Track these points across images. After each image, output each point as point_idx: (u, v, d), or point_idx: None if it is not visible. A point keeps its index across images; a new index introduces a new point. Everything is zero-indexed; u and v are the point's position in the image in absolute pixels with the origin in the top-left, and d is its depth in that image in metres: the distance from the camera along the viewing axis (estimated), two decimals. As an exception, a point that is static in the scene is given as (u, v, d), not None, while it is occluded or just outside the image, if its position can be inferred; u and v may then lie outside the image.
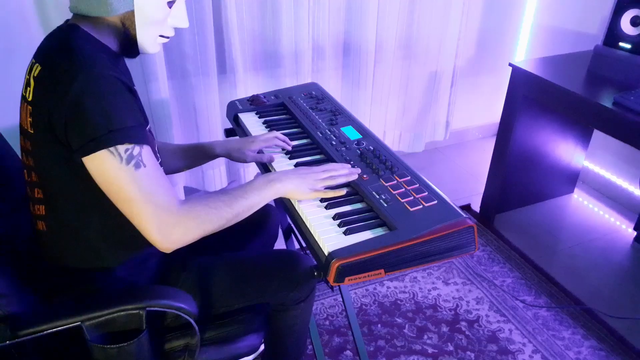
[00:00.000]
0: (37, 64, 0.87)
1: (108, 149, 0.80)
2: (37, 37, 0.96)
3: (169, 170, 1.29)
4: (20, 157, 0.97)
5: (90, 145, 0.79)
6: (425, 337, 1.68)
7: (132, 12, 0.89)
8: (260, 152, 1.25)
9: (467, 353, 1.62)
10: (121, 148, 0.80)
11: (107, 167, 0.81)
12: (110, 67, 0.84)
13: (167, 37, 0.98)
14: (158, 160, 1.00)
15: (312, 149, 1.27)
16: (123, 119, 0.81)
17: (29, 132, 0.88)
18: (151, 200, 0.82)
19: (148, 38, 0.94)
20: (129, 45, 0.94)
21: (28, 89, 0.88)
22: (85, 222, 0.91)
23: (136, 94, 0.92)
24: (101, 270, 0.96)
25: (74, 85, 0.79)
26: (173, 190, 0.88)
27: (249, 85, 2.10)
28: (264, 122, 1.41)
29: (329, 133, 1.29)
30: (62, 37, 0.88)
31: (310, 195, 1.02)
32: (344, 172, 1.07)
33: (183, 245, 0.87)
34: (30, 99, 0.87)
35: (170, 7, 0.93)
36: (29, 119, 0.87)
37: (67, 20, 0.94)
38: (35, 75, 0.86)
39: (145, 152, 0.84)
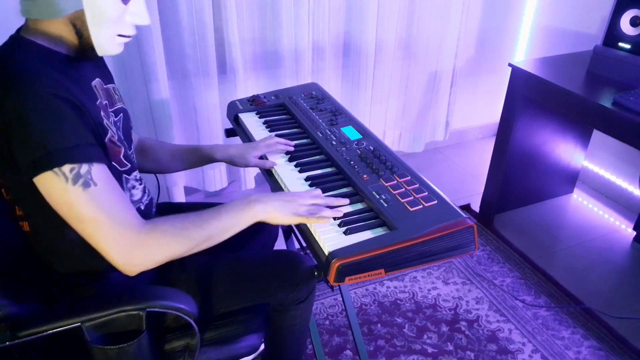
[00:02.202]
0: None
1: (52, 170, 0.76)
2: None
3: (167, 170, 1.29)
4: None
5: (31, 167, 0.77)
6: (425, 336, 1.68)
7: (82, 11, 0.83)
8: (262, 157, 1.25)
9: (467, 353, 1.62)
10: (66, 168, 0.77)
11: (53, 188, 0.78)
12: (47, 82, 0.79)
13: (128, 37, 0.91)
14: (125, 167, 0.97)
15: (313, 149, 1.27)
16: (61, 138, 0.77)
17: None
18: (106, 220, 0.79)
19: (104, 38, 0.87)
20: (85, 47, 0.88)
21: None
22: (65, 236, 0.87)
23: (85, 106, 0.84)
24: (94, 278, 0.95)
25: (7, 106, 0.76)
26: (132, 208, 0.84)
27: (249, 86, 2.10)
28: (264, 123, 1.41)
29: (329, 133, 1.29)
30: (0, 53, 0.84)
31: (292, 219, 0.96)
32: (330, 203, 1.01)
33: (149, 268, 0.84)
34: None
35: (125, 4, 0.87)
36: None
37: (20, 28, 0.90)
38: None
39: (96, 170, 0.80)
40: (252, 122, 1.43)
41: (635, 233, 2.14)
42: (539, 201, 2.37)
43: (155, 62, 1.84)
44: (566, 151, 2.25)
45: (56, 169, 0.77)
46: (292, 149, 1.25)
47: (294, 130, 1.37)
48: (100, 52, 0.89)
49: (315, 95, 1.51)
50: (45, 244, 0.93)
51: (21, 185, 0.83)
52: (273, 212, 0.95)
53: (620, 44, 1.73)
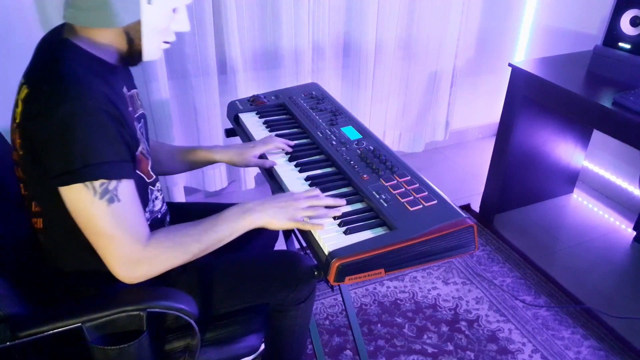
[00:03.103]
0: (24, 85, 0.84)
1: (84, 183, 0.79)
2: (37, 37, 0.95)
3: (166, 172, 1.29)
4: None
5: (65, 177, 0.79)
6: (425, 336, 1.68)
7: (138, 21, 0.87)
8: (262, 156, 1.25)
9: (467, 353, 1.63)
10: (97, 182, 0.79)
11: (80, 199, 0.80)
12: (98, 95, 0.81)
13: (170, 43, 0.96)
14: (151, 179, 0.99)
15: (313, 149, 1.27)
16: (102, 153, 0.80)
17: (19, 152, 0.87)
18: (119, 236, 0.82)
19: (153, 46, 0.92)
20: (133, 54, 0.92)
21: (17, 110, 0.86)
22: (77, 237, 0.88)
23: (126, 120, 0.87)
24: (98, 279, 0.95)
25: (56, 115, 0.77)
26: (145, 224, 0.87)
27: (249, 86, 2.10)
28: (265, 123, 1.41)
29: (329, 133, 1.29)
30: (52, 57, 0.85)
31: (288, 225, 0.97)
32: (327, 203, 1.01)
33: (147, 279, 0.87)
34: (18, 120, 0.85)
35: (174, 13, 0.92)
36: (19, 141, 0.86)
37: (61, 28, 0.91)
38: (22, 97, 0.84)
39: (123, 186, 0.82)
40: (252, 122, 1.43)
41: (635, 233, 2.14)
42: (539, 201, 2.37)
43: (155, 62, 1.84)
44: (566, 151, 2.25)
45: (88, 183, 0.79)
46: (289, 149, 1.25)
47: (294, 130, 1.37)
48: (146, 58, 0.93)
49: (315, 95, 1.51)
50: (56, 242, 0.93)
51: (44, 185, 0.85)
52: (269, 219, 0.96)
53: (620, 44, 1.73)
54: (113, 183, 0.81)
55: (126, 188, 0.83)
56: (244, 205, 0.98)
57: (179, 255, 0.89)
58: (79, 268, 0.94)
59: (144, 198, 0.98)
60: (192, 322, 0.90)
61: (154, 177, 1.02)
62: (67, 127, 0.78)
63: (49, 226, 0.92)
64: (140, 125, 1.01)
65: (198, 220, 0.94)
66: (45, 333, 0.81)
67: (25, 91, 0.83)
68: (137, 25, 0.87)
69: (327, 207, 1.01)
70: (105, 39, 0.88)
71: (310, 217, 0.98)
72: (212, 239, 0.93)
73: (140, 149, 0.94)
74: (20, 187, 0.94)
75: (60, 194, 0.81)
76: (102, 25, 0.85)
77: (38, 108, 0.80)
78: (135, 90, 1.05)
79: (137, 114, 1.01)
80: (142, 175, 0.97)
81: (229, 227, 0.94)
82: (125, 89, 0.97)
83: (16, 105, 0.87)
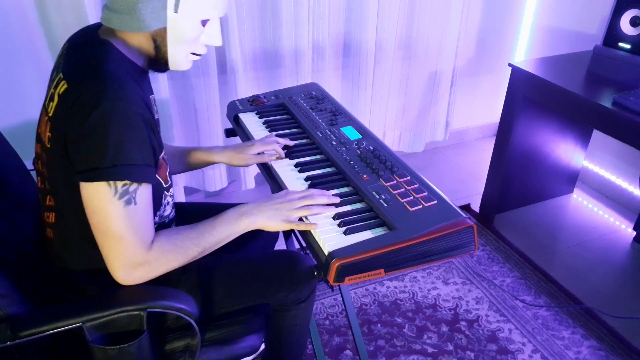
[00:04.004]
0: (63, 81, 0.86)
1: (107, 182, 0.80)
2: (37, 37, 0.95)
3: None
4: (22, 159, 0.97)
5: (92, 173, 0.80)
6: (425, 336, 1.68)
7: (165, 29, 0.88)
8: (260, 153, 1.25)
9: (467, 353, 1.63)
10: (120, 183, 0.81)
11: (99, 197, 0.81)
12: (135, 99, 0.83)
13: (199, 55, 0.97)
14: (167, 184, 1.01)
15: (312, 149, 1.27)
16: (131, 156, 0.82)
17: (46, 145, 0.88)
18: (127, 238, 0.83)
19: (180, 55, 0.93)
20: (160, 61, 0.93)
21: (51, 103, 0.87)
22: (87, 233, 0.89)
23: (156, 125, 0.90)
24: (103, 278, 0.96)
25: (96, 112, 0.79)
26: (152, 229, 0.89)
27: (249, 86, 2.10)
28: (264, 122, 1.41)
29: (329, 133, 1.29)
30: (93, 56, 0.87)
31: (284, 227, 0.99)
32: (322, 202, 1.02)
33: (143, 282, 0.88)
34: (51, 114, 0.86)
35: (203, 26, 0.92)
36: (48, 134, 0.87)
37: (96, 28, 0.93)
38: (60, 92, 0.85)
39: (142, 190, 0.84)
40: (252, 122, 1.43)
41: (635, 233, 2.14)
42: (539, 201, 2.37)
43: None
44: (566, 151, 2.25)
45: (112, 182, 0.80)
46: (291, 143, 1.25)
47: (294, 130, 1.37)
48: (173, 67, 0.94)
49: (315, 95, 1.51)
50: (66, 238, 0.94)
51: (65, 179, 0.86)
52: (265, 222, 0.98)
53: (620, 44, 1.73)
54: (134, 185, 0.82)
55: (144, 192, 0.85)
56: (240, 208, 0.99)
57: (178, 258, 0.91)
58: (84, 266, 0.95)
59: (157, 203, 0.99)
60: (192, 322, 0.90)
61: (170, 182, 1.04)
62: (103, 125, 0.79)
63: (61, 221, 0.93)
64: (158, 129, 1.02)
65: (196, 223, 0.95)
66: (46, 333, 0.81)
67: (64, 86, 0.85)
68: (164, 32, 0.89)
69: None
70: (136, 43, 0.90)
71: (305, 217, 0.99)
72: (209, 242, 0.94)
73: (162, 154, 0.96)
74: (23, 177, 0.95)
75: (80, 190, 0.82)
76: (130, 29, 0.87)
77: (78, 105, 0.81)
78: (153, 95, 1.06)
79: (156, 118, 1.02)
80: (161, 180, 0.98)
81: (226, 230, 0.96)
82: (149, 94, 0.98)
83: (51, 99, 0.88)
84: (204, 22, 0.92)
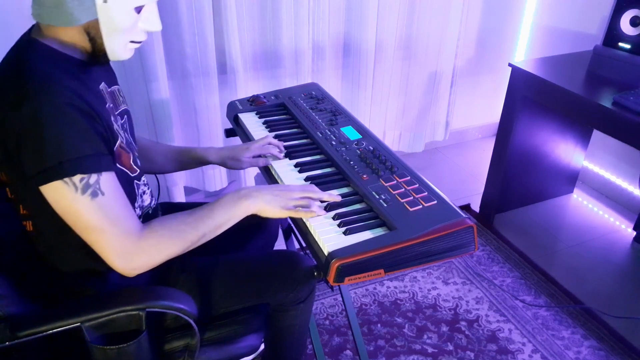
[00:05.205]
0: None
1: (62, 180, 0.78)
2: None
3: (161, 170, 1.29)
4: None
5: (42, 175, 0.78)
6: (425, 336, 1.68)
7: (97, 20, 0.84)
8: (257, 156, 1.25)
9: (467, 353, 1.62)
10: (76, 178, 0.78)
11: (62, 197, 0.79)
12: (64, 90, 0.80)
13: (139, 42, 0.93)
14: (135, 173, 0.98)
15: (312, 149, 1.27)
16: (75, 148, 0.79)
17: None
18: (110, 229, 0.81)
19: (117, 45, 0.89)
20: (97, 53, 0.89)
21: None
22: (68, 237, 0.87)
23: (99, 114, 0.85)
24: (95, 278, 0.96)
25: (23, 112, 0.76)
26: (134, 216, 0.87)
27: (249, 86, 2.10)
28: (264, 123, 1.41)
29: (329, 133, 1.29)
30: (15, 58, 0.85)
31: (281, 213, 0.98)
32: (322, 197, 1.02)
33: (147, 270, 0.86)
34: None
35: (138, 13, 0.88)
36: None
37: (31, 29, 0.90)
38: None
39: (104, 179, 0.82)
40: (252, 122, 1.43)
41: (635, 233, 2.14)
42: (539, 201, 2.37)
43: (155, 62, 1.84)
44: (566, 151, 2.25)
45: (66, 179, 0.78)
46: (280, 156, 1.23)
47: (294, 130, 1.37)
48: (112, 57, 0.91)
49: (315, 95, 1.51)
50: (48, 244, 0.93)
51: (26, 187, 0.84)
52: (263, 205, 0.97)
53: (620, 44, 1.73)
54: (93, 177, 0.80)
55: (108, 181, 0.82)
56: (239, 191, 0.98)
57: (177, 243, 0.89)
58: (73, 268, 0.94)
59: (131, 193, 0.97)
60: (192, 321, 0.90)
61: (138, 171, 1.00)
62: (35, 124, 0.77)
63: (39, 228, 0.92)
64: (123, 121, 1.00)
65: (193, 209, 0.94)
66: (45, 333, 0.81)
67: None
68: (97, 24, 0.85)
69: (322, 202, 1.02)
70: (69, 38, 0.87)
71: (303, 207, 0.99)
72: (209, 226, 0.92)
73: (118, 142, 0.92)
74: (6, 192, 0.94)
75: (44, 194, 0.80)
76: (60, 24, 0.84)
77: (4, 108, 0.79)
78: (116, 86, 1.04)
79: (120, 110, 1.01)
80: (125, 169, 0.95)
81: (226, 213, 0.94)
82: (103, 86, 0.96)
83: None
84: (138, 9, 0.87)
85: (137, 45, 0.93)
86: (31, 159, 0.78)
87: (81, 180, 0.79)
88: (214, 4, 1.88)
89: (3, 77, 0.83)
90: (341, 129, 1.31)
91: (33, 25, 0.91)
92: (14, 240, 0.97)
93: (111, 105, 0.96)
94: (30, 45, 0.86)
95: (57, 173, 0.78)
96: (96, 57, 0.90)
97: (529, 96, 1.89)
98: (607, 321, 1.73)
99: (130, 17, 0.87)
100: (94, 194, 0.80)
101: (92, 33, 0.86)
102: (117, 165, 0.91)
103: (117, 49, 0.89)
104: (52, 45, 0.86)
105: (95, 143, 0.82)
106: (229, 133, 1.51)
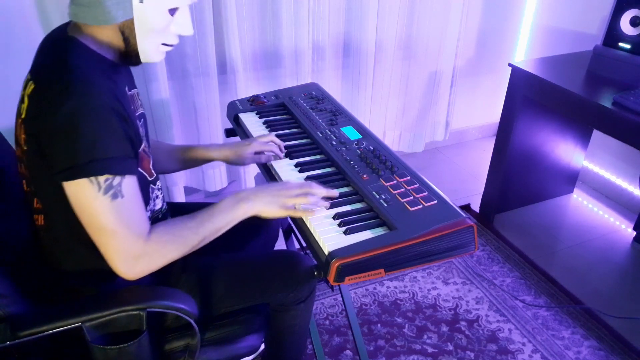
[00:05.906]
0: (31, 81, 0.85)
1: (88, 178, 0.79)
2: (37, 37, 0.95)
3: (163, 170, 1.29)
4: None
5: (70, 171, 0.79)
6: (425, 336, 1.68)
7: (132, 20, 0.87)
8: (259, 152, 1.25)
9: (467, 353, 1.63)
10: (102, 178, 0.80)
11: (84, 194, 0.80)
12: (104, 92, 0.82)
13: (171, 45, 0.95)
14: (152, 177, 1.00)
15: (312, 149, 1.27)
16: (107, 149, 0.80)
17: (23, 148, 0.88)
18: (121, 232, 0.82)
19: (150, 47, 0.91)
20: (130, 54, 0.92)
21: (22, 105, 0.86)
22: (78, 234, 0.88)
23: (130, 117, 0.88)
24: (98, 278, 0.96)
25: (64, 109, 0.78)
26: (146, 220, 0.88)
27: (249, 86, 2.10)
28: (264, 122, 1.41)
29: (329, 133, 1.29)
30: (58, 54, 0.86)
31: (281, 213, 0.99)
32: (320, 193, 1.02)
33: (147, 274, 0.87)
34: (23, 116, 0.86)
35: (172, 15, 0.91)
36: (23, 136, 0.86)
37: (66, 26, 0.92)
38: (28, 93, 0.84)
39: (126, 182, 0.83)
40: (252, 122, 1.43)
41: (635, 233, 2.14)
42: (539, 201, 2.37)
43: (156, 62, 1.84)
44: (566, 151, 2.25)
45: (93, 178, 0.79)
46: (281, 155, 1.24)
47: (294, 130, 1.37)
48: (144, 59, 0.93)
49: (315, 95, 1.51)
50: (57, 239, 0.93)
51: (47, 181, 0.85)
52: (262, 207, 0.98)
53: (620, 44, 1.73)
54: (117, 179, 0.81)
55: (130, 184, 0.84)
56: (238, 194, 0.99)
57: (179, 248, 0.90)
58: (78, 266, 0.94)
59: (145, 196, 0.98)
60: (192, 321, 0.90)
61: (155, 175, 1.03)
62: (73, 122, 0.78)
63: (50, 223, 0.92)
64: (140, 124, 1.01)
65: (195, 213, 0.95)
66: (45, 333, 0.81)
67: (31, 87, 0.84)
68: (132, 24, 0.87)
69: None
70: (105, 37, 0.89)
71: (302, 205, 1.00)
72: (209, 230, 0.94)
73: (142, 146, 0.95)
74: (22, 184, 0.95)
75: (64, 190, 0.81)
76: (97, 22, 0.85)
77: (45, 104, 0.80)
78: (135, 90, 1.05)
79: (138, 113, 1.02)
80: (144, 173, 0.97)
81: (225, 217, 0.96)
82: (127, 88, 0.97)
83: (22, 101, 0.87)
84: (172, 11, 0.90)
85: (169, 49, 0.96)
86: (62, 154, 0.79)
87: (106, 180, 0.80)
88: (214, 4, 1.88)
89: (45, 74, 0.84)
90: (341, 128, 1.31)
91: (67, 24, 0.92)
92: (16, 239, 0.97)
93: (132, 107, 0.97)
94: (71, 43, 0.87)
95: (85, 171, 0.79)
96: (129, 57, 0.92)
97: (529, 96, 1.89)
98: (607, 321, 1.73)
99: (164, 18, 0.89)
100: (115, 196, 0.81)
101: (127, 33, 0.88)
102: (139, 168, 0.93)
103: (150, 50, 0.92)
104: (90, 45, 0.88)
105: (125, 145, 0.84)
106: (229, 133, 1.51)
